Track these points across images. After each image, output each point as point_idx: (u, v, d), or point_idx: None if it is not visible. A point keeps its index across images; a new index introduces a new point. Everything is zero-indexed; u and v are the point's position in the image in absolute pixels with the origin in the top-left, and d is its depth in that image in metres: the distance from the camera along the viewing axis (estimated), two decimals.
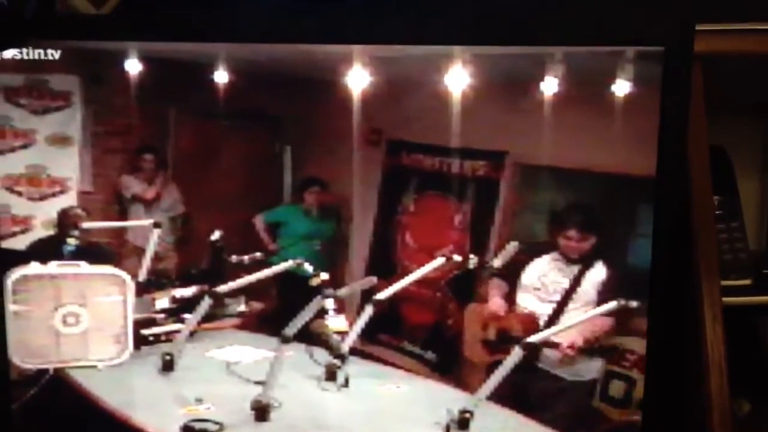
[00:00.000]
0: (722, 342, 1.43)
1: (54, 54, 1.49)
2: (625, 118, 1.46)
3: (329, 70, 1.52)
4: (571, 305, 1.56)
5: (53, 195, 1.61)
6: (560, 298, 1.56)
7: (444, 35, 1.44)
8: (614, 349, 1.55)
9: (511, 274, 1.60)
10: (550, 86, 1.48)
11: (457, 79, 1.49)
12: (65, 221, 1.62)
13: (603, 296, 1.53)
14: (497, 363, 1.55)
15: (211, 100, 1.55)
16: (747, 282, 1.56)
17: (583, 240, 1.55)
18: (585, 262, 1.56)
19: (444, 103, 1.50)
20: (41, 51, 1.49)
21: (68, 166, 1.63)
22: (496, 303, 1.61)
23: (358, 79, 1.51)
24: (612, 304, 1.51)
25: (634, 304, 1.48)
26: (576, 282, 1.56)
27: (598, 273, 1.55)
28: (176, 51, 1.51)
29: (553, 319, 1.56)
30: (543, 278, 1.58)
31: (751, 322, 1.60)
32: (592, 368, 1.57)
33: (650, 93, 1.42)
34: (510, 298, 1.61)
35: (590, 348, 1.54)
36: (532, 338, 1.55)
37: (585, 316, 1.53)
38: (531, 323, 1.57)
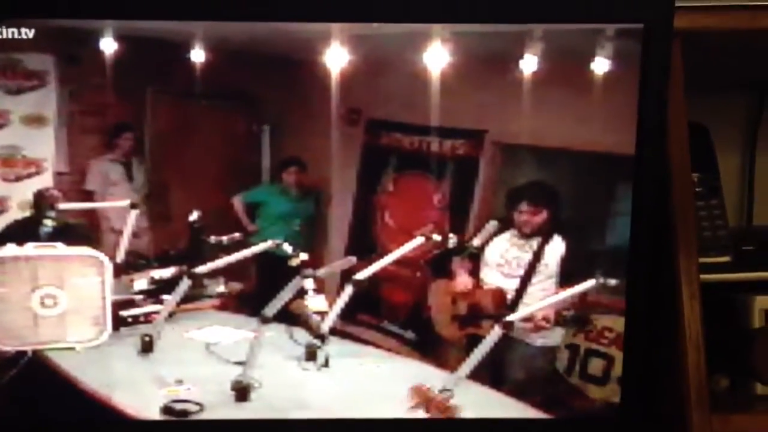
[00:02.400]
0: (700, 319, 1.44)
1: (28, 33, 1.47)
2: (604, 97, 1.46)
3: (307, 48, 1.50)
4: (546, 282, 1.56)
5: (29, 176, 1.60)
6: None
7: (423, 13, 1.43)
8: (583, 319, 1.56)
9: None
10: (529, 64, 1.47)
11: (436, 57, 1.47)
12: (41, 202, 1.61)
13: (581, 274, 1.53)
14: (476, 340, 1.56)
15: (188, 79, 1.53)
16: (726, 259, 1.57)
17: (543, 216, 1.55)
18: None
19: (423, 81, 1.49)
20: (15, 30, 1.46)
21: (44, 146, 1.61)
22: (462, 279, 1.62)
23: (336, 58, 1.49)
24: (590, 282, 1.51)
25: (612, 282, 1.49)
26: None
27: (577, 250, 1.56)
28: (153, 29, 1.49)
29: (526, 295, 1.57)
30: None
31: (730, 298, 1.61)
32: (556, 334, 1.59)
33: (630, 71, 1.41)
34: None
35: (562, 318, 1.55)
36: (511, 317, 1.55)
37: (563, 294, 1.54)
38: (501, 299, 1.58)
